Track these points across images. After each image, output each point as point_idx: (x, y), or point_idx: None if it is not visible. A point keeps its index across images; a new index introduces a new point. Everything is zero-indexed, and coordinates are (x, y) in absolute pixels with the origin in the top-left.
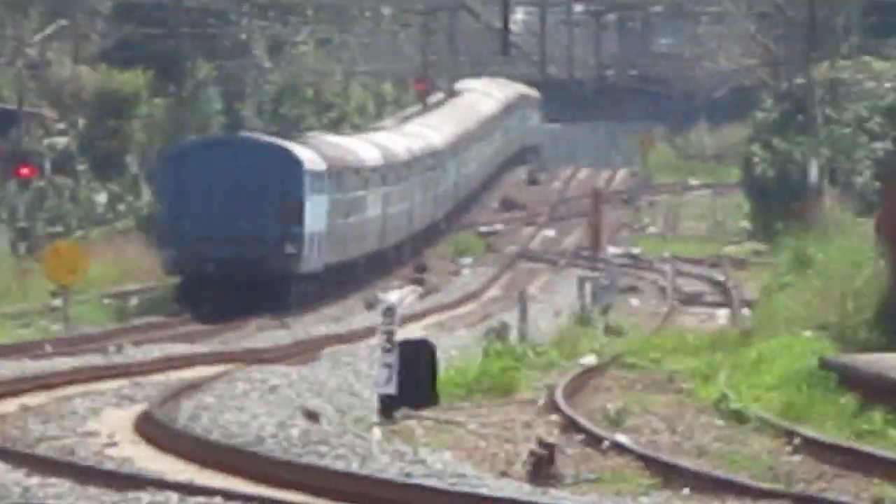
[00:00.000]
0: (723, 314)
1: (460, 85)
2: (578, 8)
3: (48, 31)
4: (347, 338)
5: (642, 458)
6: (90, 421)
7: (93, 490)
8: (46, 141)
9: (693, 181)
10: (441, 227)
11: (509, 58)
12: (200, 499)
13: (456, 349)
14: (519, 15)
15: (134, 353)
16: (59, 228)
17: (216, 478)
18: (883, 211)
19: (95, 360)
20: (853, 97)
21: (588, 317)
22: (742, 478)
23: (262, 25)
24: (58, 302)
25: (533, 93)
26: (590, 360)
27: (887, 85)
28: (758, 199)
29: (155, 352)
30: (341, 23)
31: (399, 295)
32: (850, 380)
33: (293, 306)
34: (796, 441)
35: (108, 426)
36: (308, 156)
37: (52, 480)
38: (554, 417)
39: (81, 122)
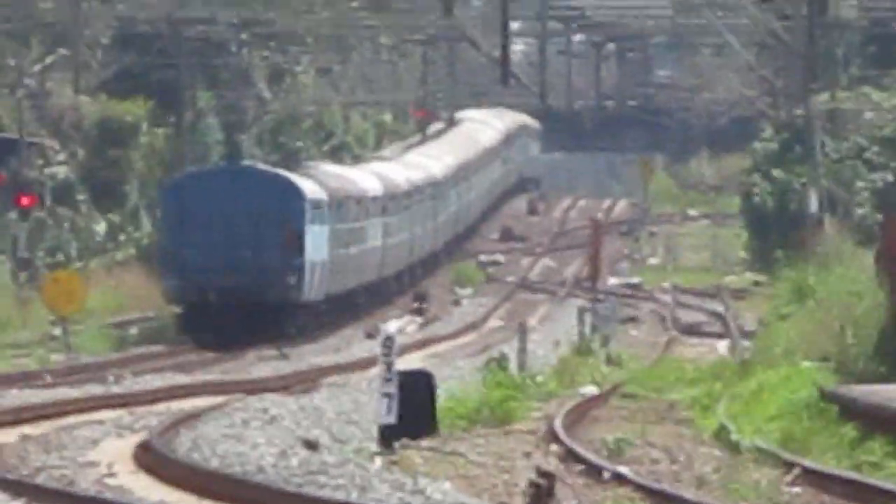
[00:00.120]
0: (722, 345)
1: (460, 115)
2: (578, 38)
3: (48, 60)
4: (347, 367)
5: (642, 488)
6: (90, 451)
7: None
8: (46, 170)
9: (692, 211)
10: (441, 257)
11: (509, 88)
12: None
13: (455, 379)
14: (518, 45)
15: (133, 383)
16: (59, 258)
17: None
18: (883, 242)
19: (95, 389)
20: (852, 128)
21: (588, 347)
22: None
23: (262, 55)
24: (57, 331)
25: (533, 123)
26: (590, 389)
27: (887, 116)
28: (757, 230)
29: (154, 381)
30: (341, 52)
31: (398, 325)
32: (849, 411)
33: (293, 336)
34: (796, 471)
35: (108, 456)
36: (309, 186)
37: None
38: (553, 447)
39: (81, 151)
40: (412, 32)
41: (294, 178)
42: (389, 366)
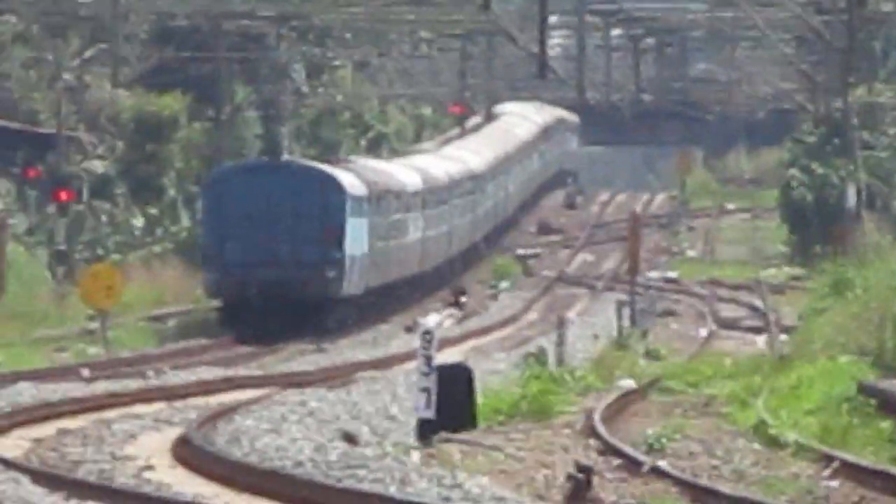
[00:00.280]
0: (761, 339)
1: (498, 108)
2: (616, 32)
3: (87, 54)
4: (385, 362)
5: (680, 482)
6: (128, 445)
7: None
8: (84, 165)
9: (730, 205)
10: (480, 251)
11: (547, 82)
12: None
13: (494, 373)
14: (556, 40)
15: (171, 377)
16: (97, 252)
17: (254, 501)
18: None
19: (133, 383)
20: (891, 121)
21: (626, 341)
22: (780, 502)
23: (301, 49)
24: (95, 325)
25: (571, 116)
26: (628, 383)
27: None
28: (796, 223)
29: (192, 375)
30: (379, 46)
31: (437, 319)
32: (888, 405)
33: (332, 330)
34: (834, 466)
35: (146, 450)
36: (349, 180)
37: None
38: (592, 441)
39: (119, 145)
40: (450, 27)
41: (334, 172)
42: (428, 360)
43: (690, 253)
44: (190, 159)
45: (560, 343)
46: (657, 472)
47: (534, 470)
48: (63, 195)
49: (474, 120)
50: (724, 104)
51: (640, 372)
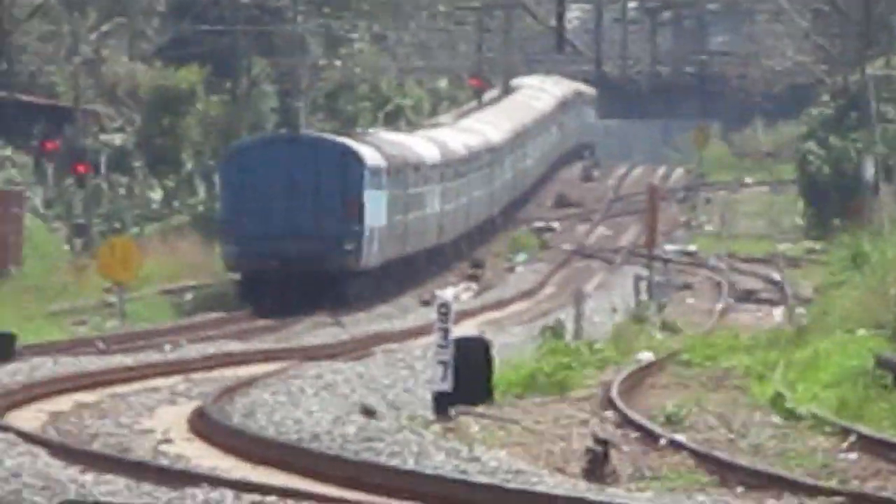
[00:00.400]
0: (778, 312)
1: (516, 81)
2: (633, 5)
3: (104, 28)
4: (402, 335)
5: (698, 455)
6: (145, 418)
7: (147, 487)
8: (102, 138)
9: (748, 179)
10: (497, 223)
11: (564, 55)
12: (255, 496)
13: (511, 346)
14: (574, 13)
15: (188, 351)
16: (115, 225)
17: (271, 475)
18: None
19: (150, 356)
20: None
21: (643, 314)
22: (797, 475)
23: (318, 22)
24: (113, 298)
25: (588, 90)
26: (646, 356)
27: None
28: (813, 197)
29: (210, 349)
30: (397, 19)
31: (454, 292)
32: None
33: (351, 303)
34: (852, 439)
35: (163, 423)
36: (368, 153)
37: (108, 477)
38: (609, 414)
39: (137, 119)
40: (468, 0)
41: (353, 145)
42: (445, 333)
43: (708, 227)
44: (207, 133)
45: (578, 316)
46: (675, 445)
47: (551, 443)
48: (81, 168)
49: (491, 93)
50: (742, 77)
51: (658, 345)
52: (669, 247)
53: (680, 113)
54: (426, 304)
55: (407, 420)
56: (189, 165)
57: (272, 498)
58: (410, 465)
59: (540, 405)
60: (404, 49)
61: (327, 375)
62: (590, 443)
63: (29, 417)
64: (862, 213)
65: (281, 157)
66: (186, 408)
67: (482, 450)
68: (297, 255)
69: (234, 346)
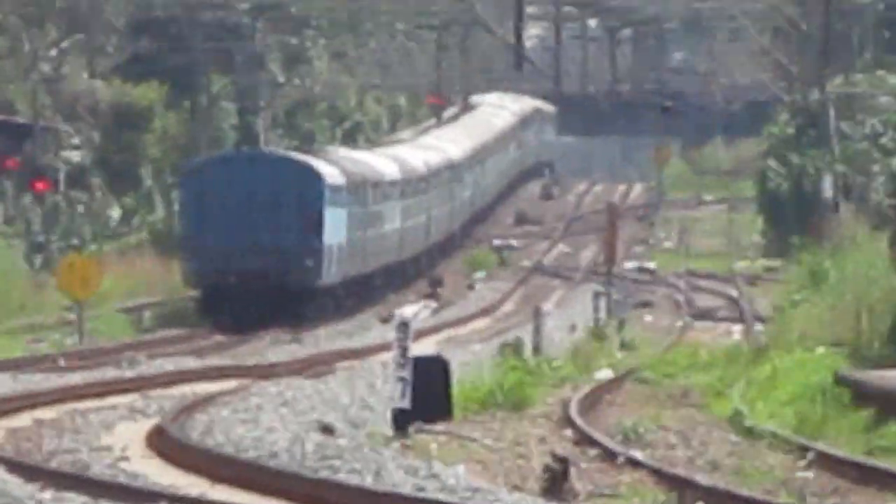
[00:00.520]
0: (737, 329)
1: (475, 99)
2: (593, 23)
3: (64, 44)
4: (362, 352)
5: (657, 472)
6: (103, 435)
7: None
8: (61, 155)
9: (707, 196)
10: (457, 240)
11: (523, 73)
12: None
13: (470, 364)
14: (533, 30)
15: (147, 367)
16: (74, 242)
17: (230, 492)
18: None
19: (109, 373)
20: (868, 112)
21: (603, 331)
22: (756, 493)
23: (277, 39)
24: (72, 316)
25: (548, 107)
26: (606, 374)
27: None
28: (772, 214)
29: (168, 366)
30: (356, 37)
31: (413, 309)
32: (864, 395)
33: (310, 320)
34: (810, 456)
35: (122, 440)
36: (328, 170)
37: (66, 494)
38: (568, 432)
39: (96, 135)
40: (427, 17)
41: (313, 161)
42: (404, 350)
43: (667, 244)
44: (166, 149)
45: (537, 333)
46: (633, 463)
47: (510, 460)
48: (40, 185)
49: (451, 110)
50: (702, 95)
51: (617, 362)
52: (629, 264)
53: (640, 130)
54: (385, 321)
55: (366, 437)
56: (148, 182)
57: None
58: (369, 482)
59: (499, 422)
60: (363, 66)
61: (286, 393)
62: (549, 460)
63: None
64: (821, 231)
65: (241, 174)
66: (145, 424)
67: (441, 467)
68: (256, 271)
69: (193, 363)
